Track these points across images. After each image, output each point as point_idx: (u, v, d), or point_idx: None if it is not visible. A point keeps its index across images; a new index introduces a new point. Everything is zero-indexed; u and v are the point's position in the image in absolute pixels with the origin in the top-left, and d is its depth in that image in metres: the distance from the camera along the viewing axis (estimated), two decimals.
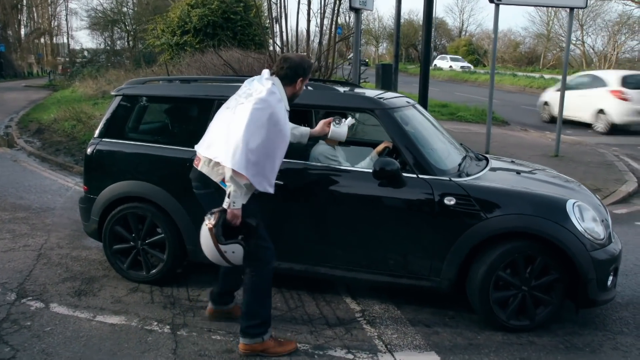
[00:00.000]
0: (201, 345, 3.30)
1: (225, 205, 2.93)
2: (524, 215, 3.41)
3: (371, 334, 3.51)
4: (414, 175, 3.58)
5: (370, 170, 3.57)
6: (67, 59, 37.52)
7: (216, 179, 3.06)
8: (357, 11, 7.92)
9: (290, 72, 3.15)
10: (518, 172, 4.13)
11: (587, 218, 3.49)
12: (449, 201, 3.48)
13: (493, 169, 4.07)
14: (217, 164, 3.01)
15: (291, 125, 3.46)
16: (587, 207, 3.57)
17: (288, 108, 3.14)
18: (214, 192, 3.10)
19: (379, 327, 3.60)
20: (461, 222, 3.48)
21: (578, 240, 3.36)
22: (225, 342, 3.34)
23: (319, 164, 3.82)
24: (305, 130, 3.67)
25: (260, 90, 3.00)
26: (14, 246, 5.00)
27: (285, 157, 3.96)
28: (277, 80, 3.12)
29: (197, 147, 3.23)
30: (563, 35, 40.29)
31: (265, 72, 3.18)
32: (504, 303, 3.53)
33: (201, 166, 3.12)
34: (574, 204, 3.50)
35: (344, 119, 3.76)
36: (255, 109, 2.91)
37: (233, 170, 2.84)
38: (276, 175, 3.11)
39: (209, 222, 2.93)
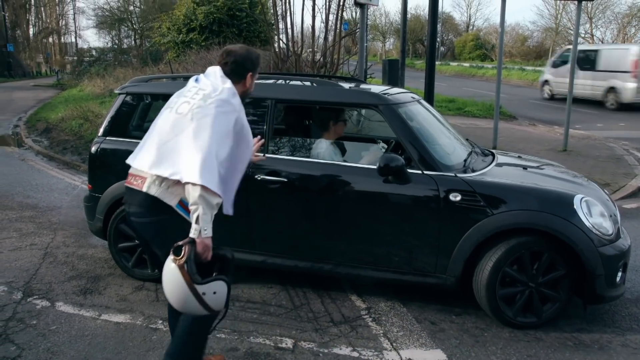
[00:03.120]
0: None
1: (193, 234, 2.35)
2: (530, 210, 3.37)
3: (377, 331, 3.48)
4: (419, 172, 3.55)
5: (375, 167, 3.54)
6: (75, 58, 37.66)
7: (172, 201, 2.48)
8: (362, 6, 7.87)
9: (236, 67, 2.68)
10: (525, 168, 4.08)
11: (595, 213, 3.44)
12: (455, 197, 3.45)
13: (499, 165, 4.02)
14: (175, 182, 2.45)
15: None
16: (594, 202, 3.52)
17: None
18: (166, 219, 2.51)
19: (385, 324, 3.58)
20: (467, 218, 3.44)
21: (586, 235, 3.32)
22: (229, 341, 3.33)
23: (322, 160, 3.80)
24: None
25: (218, 90, 2.54)
26: (20, 245, 5.02)
27: (289, 153, 3.97)
28: (229, 80, 2.66)
29: (134, 162, 2.62)
30: (572, 28, 39.94)
31: (217, 69, 2.68)
32: (511, 300, 3.49)
33: (147, 187, 2.50)
34: (581, 199, 3.45)
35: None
36: (220, 112, 2.45)
37: (203, 188, 2.30)
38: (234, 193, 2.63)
39: (176, 258, 2.33)
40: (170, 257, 2.36)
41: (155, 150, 2.50)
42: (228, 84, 2.59)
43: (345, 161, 3.86)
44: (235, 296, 3.94)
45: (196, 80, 2.68)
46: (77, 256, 4.76)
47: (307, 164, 3.80)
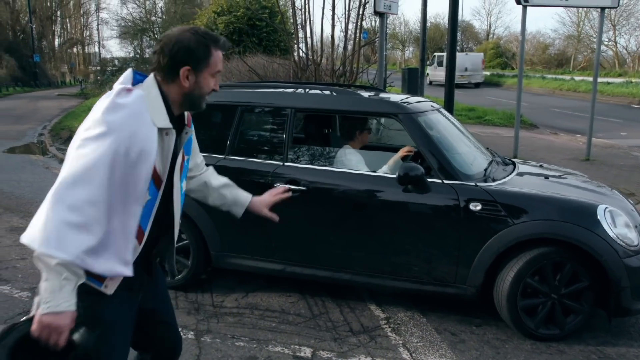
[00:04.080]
0: (224, 352, 3.30)
1: (33, 308, 1.66)
2: (552, 220, 3.32)
3: (396, 341, 3.46)
4: (439, 181, 3.53)
5: (395, 176, 3.53)
6: (98, 68, 38.38)
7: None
8: (381, 15, 7.89)
9: (164, 59, 1.78)
10: (546, 177, 4.03)
11: (619, 224, 3.38)
12: (475, 207, 3.42)
13: (520, 174, 3.98)
14: None
15: (219, 179, 2.28)
16: (619, 213, 3.46)
17: (167, 124, 1.78)
18: None
19: (404, 334, 3.55)
20: (487, 228, 3.40)
21: (610, 246, 3.25)
22: (248, 349, 3.33)
23: (343, 169, 3.80)
24: (245, 197, 2.30)
25: (97, 108, 1.73)
26: None
27: (308, 162, 3.98)
28: (150, 81, 1.81)
29: None
30: (594, 36, 39.42)
31: (128, 71, 1.83)
32: (533, 311, 3.44)
33: None
34: (605, 209, 3.39)
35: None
36: (85, 140, 1.67)
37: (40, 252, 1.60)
38: (133, 245, 1.77)
39: None
40: None
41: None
42: (112, 94, 1.75)
43: (366, 170, 3.85)
44: (254, 304, 3.95)
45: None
46: None
47: (326, 173, 3.80)
